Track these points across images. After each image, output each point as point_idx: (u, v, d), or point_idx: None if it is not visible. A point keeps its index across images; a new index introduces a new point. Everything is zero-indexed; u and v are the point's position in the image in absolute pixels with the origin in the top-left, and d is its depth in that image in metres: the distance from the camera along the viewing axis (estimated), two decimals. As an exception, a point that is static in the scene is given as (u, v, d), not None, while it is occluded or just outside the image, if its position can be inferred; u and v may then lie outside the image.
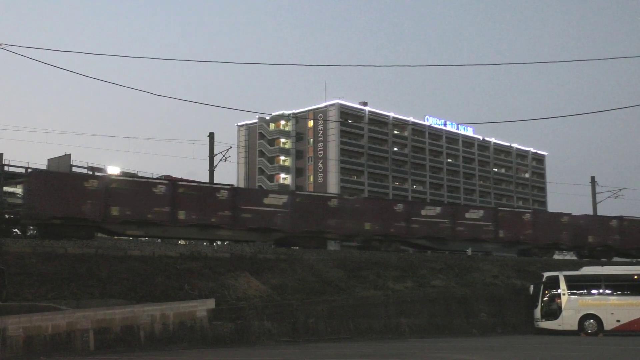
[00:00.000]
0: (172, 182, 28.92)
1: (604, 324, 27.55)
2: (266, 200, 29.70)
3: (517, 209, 39.80)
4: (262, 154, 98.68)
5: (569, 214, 38.62)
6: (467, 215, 34.54)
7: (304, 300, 24.40)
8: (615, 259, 40.05)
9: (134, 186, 27.54)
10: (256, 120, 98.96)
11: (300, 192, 37.43)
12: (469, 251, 35.36)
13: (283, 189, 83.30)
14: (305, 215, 30.17)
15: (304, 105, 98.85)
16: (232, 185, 30.97)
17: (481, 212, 35.29)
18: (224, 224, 28.36)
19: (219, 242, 31.59)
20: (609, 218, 39.72)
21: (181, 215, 27.38)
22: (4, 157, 42.26)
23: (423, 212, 33.20)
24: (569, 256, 42.79)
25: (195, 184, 29.88)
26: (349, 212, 31.46)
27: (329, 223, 30.71)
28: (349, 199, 33.87)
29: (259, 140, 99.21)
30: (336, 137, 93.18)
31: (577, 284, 28.71)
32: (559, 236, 36.54)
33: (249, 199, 29.77)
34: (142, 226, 27.01)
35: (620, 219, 39.45)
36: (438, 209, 33.93)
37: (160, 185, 27.70)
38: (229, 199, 28.50)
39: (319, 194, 39.77)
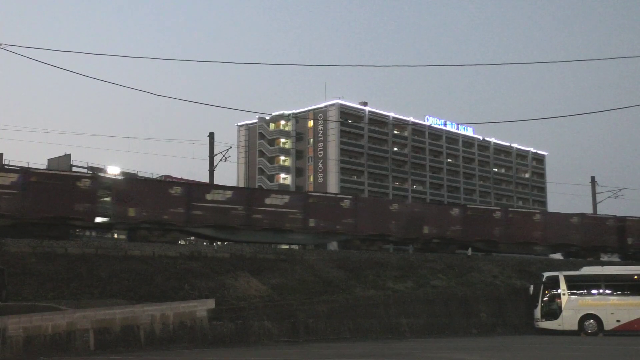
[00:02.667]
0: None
1: (604, 324, 27.55)
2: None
3: (332, 195, 35.22)
4: (262, 154, 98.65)
5: (401, 202, 36.72)
6: (268, 200, 29.80)
7: (304, 300, 24.40)
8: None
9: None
10: (256, 120, 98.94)
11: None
12: (469, 251, 35.38)
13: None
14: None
15: (304, 105, 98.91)
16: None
17: (286, 198, 30.49)
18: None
19: (218, 243, 31.60)
20: (450, 207, 37.53)
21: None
22: (4, 157, 42.36)
23: (209, 197, 28.31)
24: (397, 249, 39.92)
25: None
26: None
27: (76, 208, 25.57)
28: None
29: (259, 140, 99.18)
30: (336, 137, 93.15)
31: (577, 284, 28.71)
32: (387, 226, 32.01)
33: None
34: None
35: (463, 207, 37.29)
36: (229, 193, 29.00)
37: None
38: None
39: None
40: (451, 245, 34.47)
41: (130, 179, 29.75)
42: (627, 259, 39.07)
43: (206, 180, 39.06)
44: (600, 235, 38.56)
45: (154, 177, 42.46)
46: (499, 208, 40.77)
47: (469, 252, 35.29)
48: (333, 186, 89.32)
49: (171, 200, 27.48)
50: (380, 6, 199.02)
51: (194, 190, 28.64)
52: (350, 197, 32.96)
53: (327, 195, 34.75)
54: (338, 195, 34.02)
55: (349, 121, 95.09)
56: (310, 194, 33.29)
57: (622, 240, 38.83)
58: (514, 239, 35.67)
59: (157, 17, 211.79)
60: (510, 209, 41.99)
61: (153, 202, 27.12)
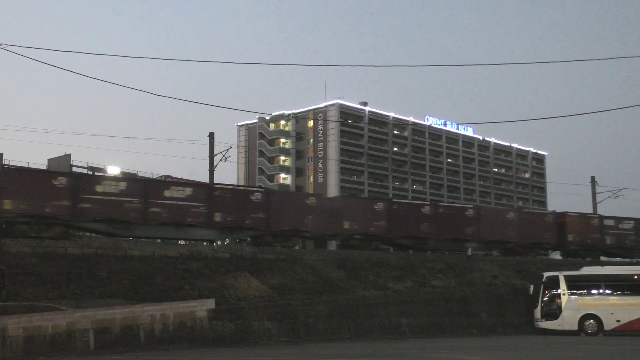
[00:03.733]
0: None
1: (604, 324, 27.56)
2: None
3: (241, 187, 32.48)
4: (262, 154, 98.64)
5: (318, 195, 34.12)
6: (168, 193, 27.64)
7: (304, 300, 24.41)
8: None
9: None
10: (256, 120, 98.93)
11: None
12: (469, 251, 35.35)
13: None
14: None
15: (304, 105, 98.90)
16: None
17: (189, 190, 28.28)
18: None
19: (218, 242, 31.60)
20: (374, 201, 35.32)
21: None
22: (4, 157, 42.31)
23: (99, 189, 26.09)
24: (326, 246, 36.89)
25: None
26: None
27: None
28: None
29: (259, 140, 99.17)
30: (336, 137, 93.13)
31: (577, 284, 28.73)
32: (302, 221, 30.14)
33: None
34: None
35: (388, 201, 35.25)
36: (122, 184, 26.95)
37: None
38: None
39: None
40: (375, 241, 32.77)
41: (6, 168, 27.18)
42: (568, 256, 38.39)
43: (206, 180, 39.05)
44: (539, 232, 37.17)
45: (154, 177, 42.37)
46: (427, 203, 38.39)
47: (469, 252, 35.24)
48: (333, 186, 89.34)
49: (54, 192, 25.21)
50: (380, 6, 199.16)
51: (81, 181, 26.45)
52: (261, 189, 31.36)
53: (235, 187, 31.89)
54: (247, 188, 32.18)
55: (349, 121, 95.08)
56: (215, 186, 30.88)
57: (563, 236, 37.62)
58: (445, 235, 34.13)
59: (157, 17, 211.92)
60: (441, 203, 40.06)
61: (33, 193, 24.84)
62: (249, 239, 30.93)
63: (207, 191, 28.85)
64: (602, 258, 40.31)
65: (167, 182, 33.85)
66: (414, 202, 39.36)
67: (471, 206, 38.40)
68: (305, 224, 30.27)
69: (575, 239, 37.99)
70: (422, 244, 34.15)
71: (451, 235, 34.44)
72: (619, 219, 40.02)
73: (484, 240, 35.57)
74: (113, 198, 26.19)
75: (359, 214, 32.06)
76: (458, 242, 35.21)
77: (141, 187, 27.38)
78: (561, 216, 38.73)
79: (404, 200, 38.83)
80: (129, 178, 35.65)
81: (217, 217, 28.28)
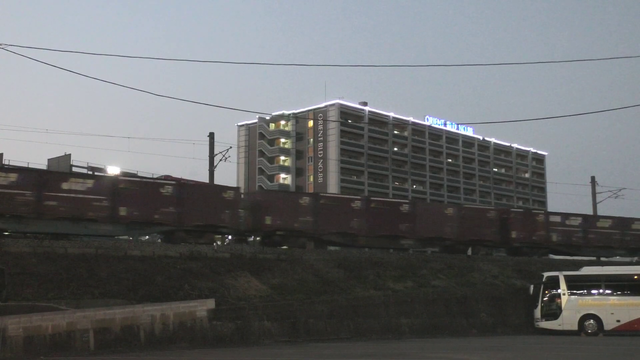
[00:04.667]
0: None
1: (604, 324, 27.57)
2: None
3: (150, 180, 31.48)
4: (262, 154, 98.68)
5: (237, 188, 31.93)
6: (66, 185, 25.60)
7: (304, 300, 24.42)
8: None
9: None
10: (256, 120, 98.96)
11: None
12: (469, 251, 35.34)
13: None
14: None
15: (304, 105, 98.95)
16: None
17: (90, 182, 26.34)
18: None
19: (218, 242, 31.58)
20: (300, 195, 33.19)
21: None
22: (4, 157, 42.30)
23: None
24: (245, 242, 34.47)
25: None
26: None
27: None
28: None
29: (259, 140, 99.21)
30: (336, 137, 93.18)
31: (577, 284, 28.74)
32: (219, 216, 28.36)
33: None
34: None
35: (315, 196, 33.13)
36: (12, 176, 24.98)
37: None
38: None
39: None
40: (300, 238, 30.82)
41: None
42: (512, 254, 37.09)
43: (206, 180, 39.06)
44: (481, 228, 35.38)
45: (154, 177, 42.35)
46: (359, 197, 36.07)
47: (469, 252, 35.22)
48: (333, 186, 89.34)
49: None
50: (380, 6, 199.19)
51: None
52: (172, 182, 29.57)
53: (144, 180, 30.13)
54: (157, 181, 30.54)
55: (349, 121, 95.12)
56: (120, 178, 29.15)
57: (506, 233, 35.94)
58: (377, 231, 32.21)
59: (157, 17, 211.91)
60: (373, 198, 37.75)
61: None
62: (158, 235, 29.93)
63: (111, 183, 27.09)
64: (569, 256, 39.31)
65: (66, 173, 31.75)
66: (344, 196, 36.22)
67: (406, 201, 36.40)
68: (222, 219, 28.45)
69: (519, 236, 36.32)
70: (352, 240, 32.28)
71: (384, 232, 32.54)
72: (566, 215, 38.89)
73: (420, 237, 33.75)
74: (1, 190, 24.39)
75: (283, 209, 30.37)
76: (392, 239, 33.22)
77: (34, 178, 25.56)
78: (505, 212, 37.88)
79: (333, 194, 35.99)
80: (21, 168, 32.70)
81: (123, 212, 26.44)
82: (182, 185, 29.30)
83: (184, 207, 27.64)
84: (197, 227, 28.13)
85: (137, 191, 27.08)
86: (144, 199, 26.94)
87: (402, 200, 35.06)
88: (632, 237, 39.73)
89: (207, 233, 28.70)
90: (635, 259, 40.02)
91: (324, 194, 36.34)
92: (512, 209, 38.32)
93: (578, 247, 38.46)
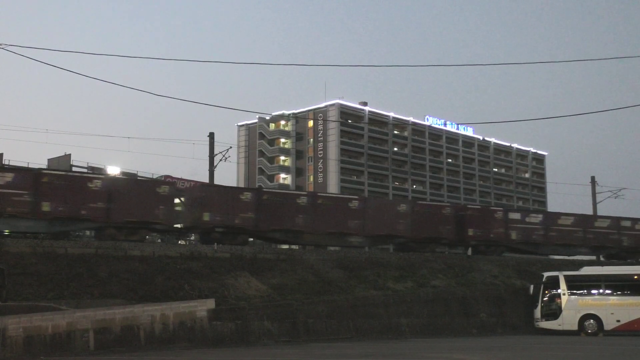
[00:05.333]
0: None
1: (604, 324, 27.57)
2: None
3: (76, 174, 29.71)
4: (262, 154, 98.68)
5: (173, 183, 30.31)
6: None
7: (304, 300, 24.43)
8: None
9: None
10: (256, 120, 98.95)
11: None
12: (469, 251, 35.33)
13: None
14: None
15: (304, 105, 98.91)
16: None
17: (9, 176, 25.17)
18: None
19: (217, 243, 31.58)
20: (240, 190, 31.68)
21: None
22: (4, 157, 42.32)
23: None
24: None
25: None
26: None
27: None
28: None
29: (259, 140, 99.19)
30: (336, 137, 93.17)
31: (577, 284, 28.74)
32: (152, 212, 27.07)
33: None
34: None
35: (257, 191, 31.74)
36: None
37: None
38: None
39: None
40: (241, 235, 29.63)
41: None
42: (472, 253, 35.47)
43: (206, 180, 39.07)
44: (436, 226, 34.00)
45: (154, 177, 42.37)
46: (305, 193, 33.96)
47: (469, 252, 35.21)
48: (333, 186, 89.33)
49: None
50: (381, 6, 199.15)
51: None
52: (101, 176, 28.39)
53: (69, 174, 28.53)
54: (85, 175, 28.95)
55: (349, 121, 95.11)
56: (43, 171, 27.68)
57: (463, 231, 34.65)
58: (324, 228, 30.82)
59: (158, 17, 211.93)
60: (320, 193, 35.42)
61: None
62: (87, 232, 29.02)
63: (32, 177, 25.70)
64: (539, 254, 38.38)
65: None
66: (288, 191, 34.36)
67: (355, 197, 34.99)
68: (156, 215, 27.21)
69: (476, 233, 35.02)
70: (297, 238, 31.08)
71: (332, 229, 31.16)
72: (526, 213, 38.25)
73: (371, 235, 32.50)
74: None
75: (222, 205, 29.03)
76: (340, 237, 31.91)
77: None
78: (462, 209, 36.97)
79: (277, 190, 33.63)
80: None
81: (46, 207, 25.21)
82: (112, 179, 28.37)
83: (113, 203, 26.41)
84: (128, 224, 26.94)
85: (62, 185, 25.78)
86: (70, 194, 25.68)
87: (350, 196, 33.49)
88: (595, 235, 38.83)
89: (141, 230, 27.55)
90: (601, 257, 39.50)
91: (267, 190, 34.37)
92: (469, 205, 37.01)
93: (538, 245, 37.41)
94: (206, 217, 28.59)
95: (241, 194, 30.15)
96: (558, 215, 39.26)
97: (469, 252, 35.14)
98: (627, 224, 40.22)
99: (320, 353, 18.86)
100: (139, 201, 26.95)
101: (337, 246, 32.93)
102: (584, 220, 39.16)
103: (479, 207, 37.95)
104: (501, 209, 39.71)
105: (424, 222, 33.74)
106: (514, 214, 37.71)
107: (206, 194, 30.29)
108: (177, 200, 30.33)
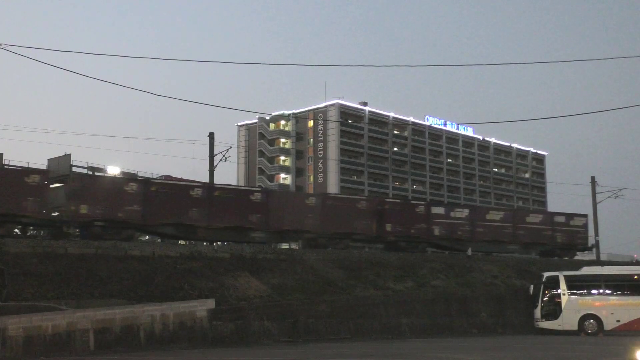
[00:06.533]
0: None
1: (604, 324, 27.57)
2: None
3: None
4: (262, 154, 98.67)
5: (45, 172, 27.59)
6: None
7: (304, 300, 24.43)
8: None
9: None
10: (256, 120, 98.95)
11: None
12: (469, 251, 35.31)
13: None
14: None
15: (304, 105, 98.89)
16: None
17: None
18: None
19: (218, 242, 31.57)
20: (126, 180, 29.31)
21: None
22: (4, 157, 42.27)
23: None
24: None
25: None
26: None
27: None
28: None
29: (259, 140, 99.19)
30: (336, 137, 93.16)
31: (577, 284, 28.74)
32: (19, 205, 25.08)
33: None
34: None
35: (145, 182, 29.42)
36: None
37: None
38: None
39: None
40: (126, 230, 27.50)
41: None
42: (389, 249, 33.86)
43: (206, 180, 39.04)
44: (349, 221, 31.98)
45: (154, 177, 42.36)
46: (200, 184, 31.24)
47: (469, 252, 35.17)
48: (333, 186, 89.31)
49: None
50: (381, 6, 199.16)
51: None
52: None
53: None
54: None
55: (349, 121, 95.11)
56: None
57: (380, 226, 32.76)
58: (221, 222, 29.13)
59: (157, 17, 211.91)
60: (217, 184, 33.21)
61: None
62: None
63: None
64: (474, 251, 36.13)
65: None
66: (181, 182, 31.89)
67: (257, 189, 32.68)
68: (24, 207, 24.96)
69: (395, 229, 33.21)
70: (190, 232, 29.26)
71: (230, 223, 29.29)
72: (451, 207, 36.66)
73: (274, 230, 30.49)
74: None
75: (104, 197, 27.09)
76: (240, 232, 29.89)
77: None
78: (380, 203, 34.81)
79: (167, 180, 31.36)
80: None
81: None
82: None
83: None
84: None
85: None
86: None
87: (252, 188, 30.94)
88: (526, 231, 37.06)
89: (7, 224, 25.53)
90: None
91: (156, 180, 31.57)
92: (388, 199, 34.94)
93: (463, 242, 35.45)
94: (84, 209, 26.40)
95: (126, 185, 27.99)
96: (486, 210, 38.08)
97: (469, 252, 35.10)
98: (562, 219, 38.54)
99: (320, 353, 18.87)
100: (3, 192, 24.86)
101: (237, 242, 30.51)
102: (514, 216, 37.82)
103: (398, 200, 35.90)
104: (423, 202, 37.45)
105: (336, 216, 31.74)
106: (438, 209, 35.84)
107: (86, 184, 27.75)
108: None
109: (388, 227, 33.05)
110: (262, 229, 30.21)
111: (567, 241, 38.51)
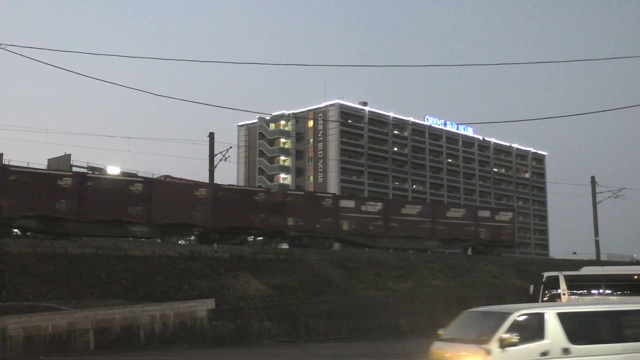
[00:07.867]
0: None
1: (604, 324, 27.54)
2: None
3: None
4: (262, 154, 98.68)
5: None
6: None
7: (304, 300, 24.44)
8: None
9: None
10: (256, 120, 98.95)
11: None
12: (469, 251, 35.33)
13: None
14: None
15: (304, 105, 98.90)
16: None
17: None
18: None
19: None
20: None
21: None
22: (4, 157, 42.33)
23: None
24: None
25: None
26: None
27: None
28: None
29: (259, 140, 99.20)
30: (336, 137, 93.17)
31: (577, 284, 28.71)
32: None
33: None
34: None
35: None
36: None
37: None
38: None
39: None
40: None
41: None
42: (293, 246, 31.97)
43: (206, 180, 39.04)
44: (245, 214, 30.12)
45: (154, 177, 42.41)
46: (69, 173, 28.36)
47: (469, 252, 35.18)
48: (333, 186, 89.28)
49: None
50: (380, 6, 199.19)
51: None
52: None
53: None
54: None
55: (349, 121, 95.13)
56: None
57: (281, 220, 31.23)
58: (94, 216, 26.74)
59: (157, 17, 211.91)
60: (90, 174, 30.54)
61: None
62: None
63: None
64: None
65: None
66: (46, 171, 28.19)
67: (139, 179, 30.12)
68: None
69: (298, 223, 31.29)
70: (58, 226, 26.76)
71: (104, 216, 27.07)
72: (362, 200, 34.64)
73: (158, 223, 28.40)
74: None
75: None
76: (117, 226, 27.70)
77: None
78: (281, 195, 32.93)
79: (28, 169, 27.78)
80: None
81: None
82: None
83: None
84: None
85: None
86: None
87: (132, 179, 28.78)
88: (447, 226, 35.13)
89: None
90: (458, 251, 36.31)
91: (16, 169, 27.69)
92: (290, 191, 32.92)
93: (374, 237, 33.60)
94: None
95: None
96: (402, 203, 36.55)
97: (469, 252, 35.11)
98: (486, 214, 37.03)
99: (320, 353, 18.87)
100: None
101: (113, 237, 28.64)
102: (433, 210, 35.81)
103: (302, 192, 34.08)
104: (330, 194, 35.39)
105: (229, 209, 29.75)
106: (347, 202, 33.81)
107: None
108: None
109: (290, 222, 31.18)
110: (143, 223, 27.99)
111: (492, 237, 36.55)
